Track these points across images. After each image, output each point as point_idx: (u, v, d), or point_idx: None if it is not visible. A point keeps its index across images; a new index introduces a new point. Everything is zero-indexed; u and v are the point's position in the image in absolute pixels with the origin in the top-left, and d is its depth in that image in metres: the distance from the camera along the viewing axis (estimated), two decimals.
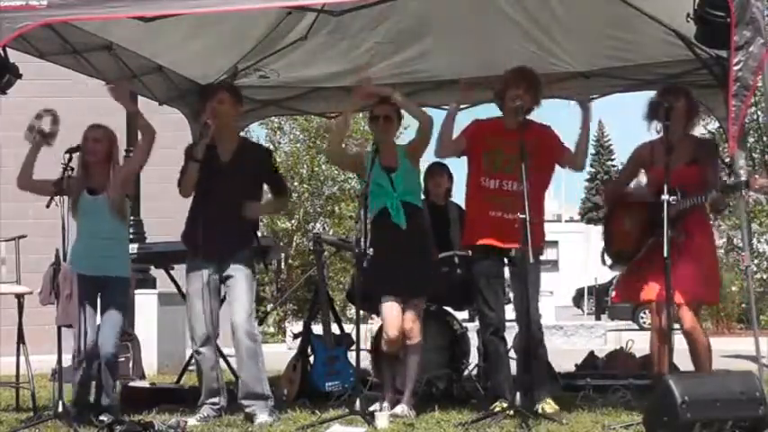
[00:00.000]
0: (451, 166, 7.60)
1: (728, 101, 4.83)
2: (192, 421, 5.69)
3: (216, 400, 5.91)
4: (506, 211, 5.73)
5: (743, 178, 5.11)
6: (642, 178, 6.12)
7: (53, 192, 5.59)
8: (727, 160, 5.99)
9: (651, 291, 5.62)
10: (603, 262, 6.07)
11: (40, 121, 5.82)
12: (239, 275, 5.83)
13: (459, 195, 7.73)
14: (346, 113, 6.43)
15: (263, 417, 5.67)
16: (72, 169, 5.70)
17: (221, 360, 6.51)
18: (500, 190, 5.84)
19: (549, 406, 5.64)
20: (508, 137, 5.67)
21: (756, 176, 5.32)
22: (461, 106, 6.32)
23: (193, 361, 7.79)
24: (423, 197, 7.45)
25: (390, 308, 5.86)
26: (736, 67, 4.79)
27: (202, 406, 5.89)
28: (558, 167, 6.13)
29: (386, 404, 5.80)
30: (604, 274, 30.87)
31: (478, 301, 5.94)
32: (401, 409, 5.78)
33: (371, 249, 5.54)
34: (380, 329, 6.15)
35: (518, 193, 5.49)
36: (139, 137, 6.19)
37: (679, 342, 5.56)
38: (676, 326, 5.56)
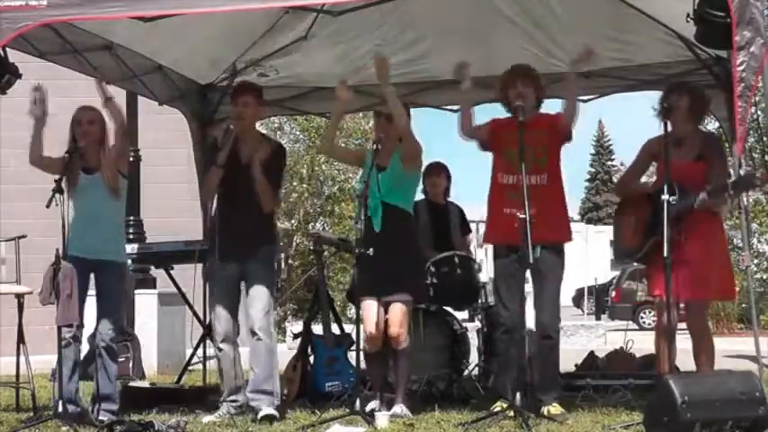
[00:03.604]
0: (450, 166, 7.63)
1: (734, 102, 4.81)
2: (210, 418, 5.74)
3: (236, 397, 5.94)
4: (521, 207, 5.56)
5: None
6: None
7: (61, 170, 5.61)
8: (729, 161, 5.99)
9: (656, 288, 5.65)
10: (616, 259, 6.12)
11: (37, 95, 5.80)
12: (260, 273, 5.88)
13: (458, 194, 7.78)
14: (336, 114, 6.44)
15: (267, 409, 5.70)
16: (71, 171, 5.71)
17: None
18: (517, 185, 5.79)
19: (554, 408, 5.62)
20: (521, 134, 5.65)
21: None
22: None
23: (194, 361, 7.88)
24: (423, 196, 7.52)
25: (368, 306, 5.84)
26: (739, 68, 4.77)
27: (223, 403, 5.93)
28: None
29: (377, 403, 5.78)
30: (604, 274, 30.96)
31: (495, 299, 5.97)
32: (399, 408, 5.78)
33: (372, 249, 5.54)
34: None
35: (536, 188, 5.58)
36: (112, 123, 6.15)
37: (680, 341, 5.57)
38: (681, 325, 5.58)
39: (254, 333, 5.82)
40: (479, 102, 7.10)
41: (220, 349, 5.96)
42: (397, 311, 5.86)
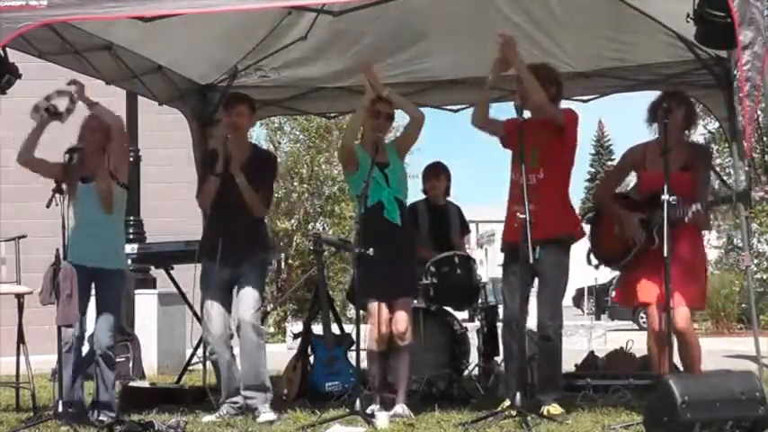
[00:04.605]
0: (450, 166, 7.63)
1: (743, 102, 4.80)
2: (210, 418, 5.77)
3: (236, 399, 5.96)
4: (521, 204, 5.51)
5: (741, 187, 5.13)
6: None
7: (55, 175, 5.61)
8: (719, 162, 6.00)
9: (647, 293, 5.64)
10: (589, 262, 6.05)
11: (48, 103, 5.80)
12: (250, 277, 5.95)
13: (457, 194, 7.77)
14: (363, 107, 6.39)
15: (264, 412, 5.72)
16: (72, 166, 5.70)
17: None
18: (518, 183, 5.78)
19: (554, 409, 5.62)
20: (529, 130, 5.63)
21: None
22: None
23: (194, 361, 7.87)
24: (423, 196, 7.54)
25: (378, 306, 5.86)
26: (745, 68, 4.77)
27: (223, 404, 5.96)
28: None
29: (378, 405, 5.77)
30: (604, 274, 30.94)
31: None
32: (401, 408, 5.79)
33: (372, 249, 5.53)
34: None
35: (539, 185, 5.63)
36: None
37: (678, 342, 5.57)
38: None
39: (243, 331, 5.86)
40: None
41: (214, 353, 5.99)
42: (405, 308, 5.93)
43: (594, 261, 6.04)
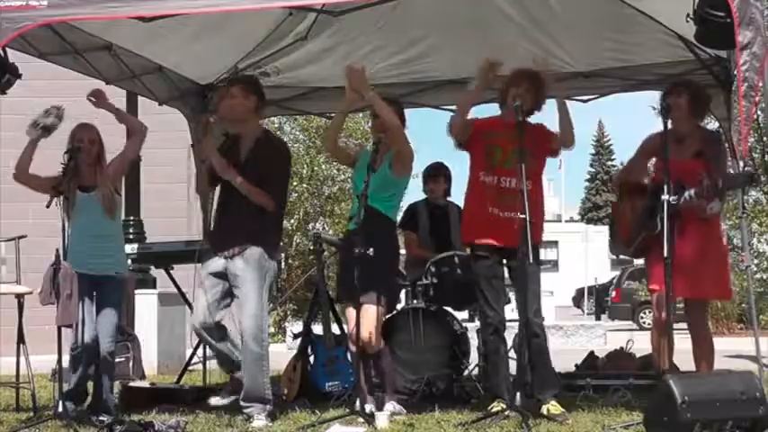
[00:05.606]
0: (450, 166, 7.63)
1: (739, 102, 4.80)
2: (216, 399, 5.88)
3: (238, 375, 5.92)
4: (503, 209, 5.71)
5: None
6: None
7: (49, 189, 5.63)
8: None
9: (652, 282, 5.70)
10: (612, 250, 6.15)
11: (46, 118, 5.81)
12: (246, 275, 5.77)
13: (457, 195, 7.77)
14: (342, 110, 6.38)
15: (259, 420, 5.68)
16: (72, 170, 5.70)
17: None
18: (498, 186, 5.82)
19: (554, 408, 5.63)
20: (507, 133, 5.65)
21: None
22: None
23: (194, 361, 7.87)
24: (423, 196, 7.53)
25: (349, 308, 5.85)
26: (743, 68, 4.77)
27: (225, 385, 5.98)
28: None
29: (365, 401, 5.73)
30: (604, 274, 30.96)
31: (479, 301, 5.92)
32: (392, 405, 5.79)
33: (371, 249, 5.50)
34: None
35: (516, 191, 5.51)
36: (131, 133, 6.17)
37: (679, 341, 5.58)
38: (681, 324, 5.59)
39: (244, 341, 5.75)
40: (479, 102, 7.11)
41: (201, 336, 5.94)
42: (364, 315, 5.65)
43: (615, 251, 6.12)
